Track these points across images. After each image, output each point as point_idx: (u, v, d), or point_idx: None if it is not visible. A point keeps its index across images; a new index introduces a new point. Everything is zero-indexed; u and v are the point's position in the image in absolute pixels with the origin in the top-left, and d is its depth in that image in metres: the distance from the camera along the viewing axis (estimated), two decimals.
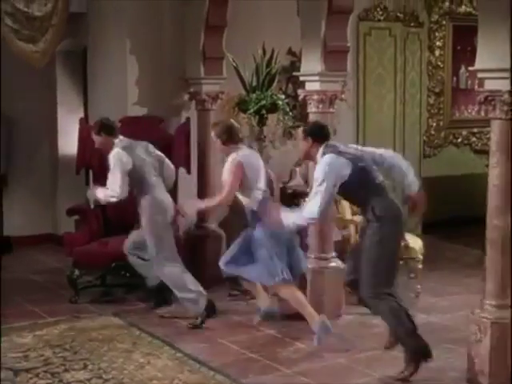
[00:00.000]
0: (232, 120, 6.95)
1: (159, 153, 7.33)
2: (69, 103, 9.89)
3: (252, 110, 8.08)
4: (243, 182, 6.45)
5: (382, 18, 10.24)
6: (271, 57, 8.24)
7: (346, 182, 5.61)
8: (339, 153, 5.67)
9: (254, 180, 6.50)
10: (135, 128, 8.09)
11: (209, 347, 6.34)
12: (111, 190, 6.88)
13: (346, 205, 7.59)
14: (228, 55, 8.29)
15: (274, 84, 8.36)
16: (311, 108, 6.96)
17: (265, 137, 8.34)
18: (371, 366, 5.86)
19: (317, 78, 6.89)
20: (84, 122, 8.45)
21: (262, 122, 8.21)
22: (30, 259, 9.29)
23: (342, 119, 8.66)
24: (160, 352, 6.18)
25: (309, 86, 6.99)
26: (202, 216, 8.25)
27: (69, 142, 9.47)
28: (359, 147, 6.06)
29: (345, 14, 6.94)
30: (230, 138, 6.59)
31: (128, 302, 7.46)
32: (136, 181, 6.99)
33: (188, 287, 6.89)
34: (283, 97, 8.40)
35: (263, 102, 8.06)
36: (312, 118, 6.96)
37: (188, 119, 8.35)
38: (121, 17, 8.66)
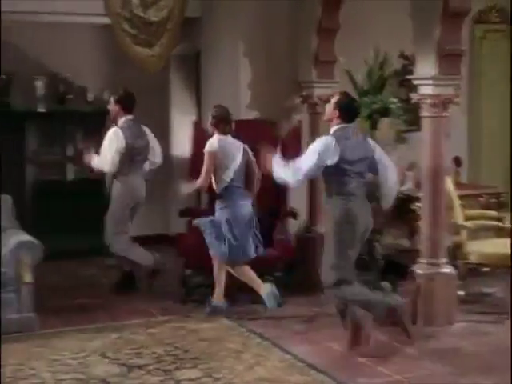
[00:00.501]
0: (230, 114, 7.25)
1: (152, 138, 8.03)
2: (182, 106, 10.04)
3: (365, 114, 8.02)
4: (215, 168, 7.02)
5: (497, 20, 10.03)
6: (384, 60, 8.18)
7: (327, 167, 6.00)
8: (343, 148, 5.93)
9: (225, 168, 7.04)
10: (247, 130, 8.14)
11: (317, 350, 6.32)
12: (100, 164, 7.75)
13: (459, 210, 7.48)
14: (340, 59, 8.26)
15: (386, 88, 8.30)
16: (424, 112, 6.89)
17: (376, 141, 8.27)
18: (483, 374, 5.73)
19: (431, 81, 6.80)
20: (198, 125, 8.57)
21: (373, 125, 8.15)
22: None
23: (454, 123, 8.51)
24: (269, 353, 6.20)
25: (422, 90, 6.90)
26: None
27: (180, 145, 9.66)
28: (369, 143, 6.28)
29: (461, 16, 6.83)
30: (218, 123, 7.11)
31: (238, 302, 7.52)
32: (121, 161, 7.71)
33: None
34: (396, 100, 8.32)
35: (376, 106, 8.01)
36: (425, 122, 6.90)
37: (300, 122, 8.37)
38: (234, 20, 8.76)
